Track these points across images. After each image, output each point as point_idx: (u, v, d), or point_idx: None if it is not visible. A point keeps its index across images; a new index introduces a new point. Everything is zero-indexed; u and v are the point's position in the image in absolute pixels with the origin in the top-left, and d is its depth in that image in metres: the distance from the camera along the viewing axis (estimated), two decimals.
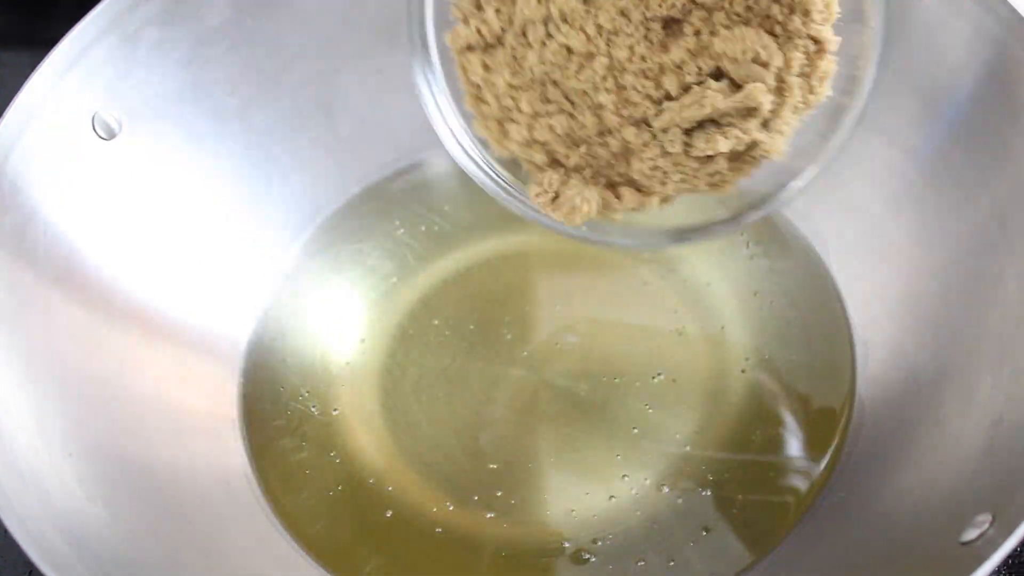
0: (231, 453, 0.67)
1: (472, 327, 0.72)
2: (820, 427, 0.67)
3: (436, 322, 0.73)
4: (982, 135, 0.65)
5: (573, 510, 0.64)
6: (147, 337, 0.68)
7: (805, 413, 0.67)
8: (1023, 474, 0.53)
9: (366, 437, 0.68)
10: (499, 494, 0.65)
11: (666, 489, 0.64)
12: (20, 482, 0.55)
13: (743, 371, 0.69)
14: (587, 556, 0.62)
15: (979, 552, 0.50)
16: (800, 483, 0.64)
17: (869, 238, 0.72)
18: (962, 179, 0.67)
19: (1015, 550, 0.50)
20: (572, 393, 0.68)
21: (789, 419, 0.67)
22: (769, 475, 0.64)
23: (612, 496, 0.65)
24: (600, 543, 0.63)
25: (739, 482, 0.64)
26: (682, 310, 0.72)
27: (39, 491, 0.55)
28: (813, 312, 0.72)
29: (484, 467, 0.67)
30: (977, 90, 0.66)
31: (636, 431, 0.66)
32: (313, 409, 0.69)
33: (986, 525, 0.51)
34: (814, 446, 0.66)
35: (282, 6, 0.75)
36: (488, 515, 0.64)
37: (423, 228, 0.77)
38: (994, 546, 0.49)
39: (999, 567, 0.52)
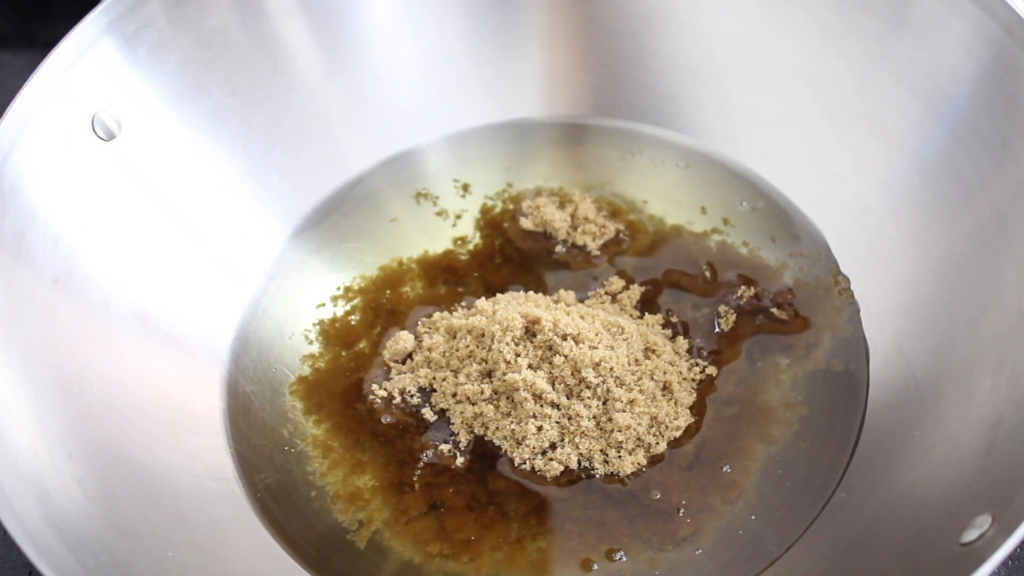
0: (228, 452, 0.67)
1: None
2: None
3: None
4: (982, 135, 0.65)
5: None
6: (146, 337, 0.68)
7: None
8: (1023, 475, 0.53)
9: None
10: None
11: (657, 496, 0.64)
12: (20, 482, 0.55)
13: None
14: (595, 565, 0.62)
15: (979, 553, 0.50)
16: (801, 484, 0.64)
17: (869, 239, 0.72)
18: (962, 179, 0.67)
19: (1015, 551, 0.50)
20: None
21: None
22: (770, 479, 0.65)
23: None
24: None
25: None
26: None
27: (39, 491, 0.55)
28: None
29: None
30: (977, 90, 0.66)
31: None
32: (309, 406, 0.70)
33: (986, 526, 0.51)
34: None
35: (281, 9, 0.75)
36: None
37: (420, 227, 0.78)
38: (994, 547, 0.49)
39: (999, 567, 0.52)
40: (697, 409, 0.67)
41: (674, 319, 0.71)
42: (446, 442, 0.67)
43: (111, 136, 0.68)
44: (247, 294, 0.74)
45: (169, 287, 0.70)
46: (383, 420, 0.68)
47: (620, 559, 0.62)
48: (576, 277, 0.74)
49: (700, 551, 0.62)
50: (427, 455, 0.66)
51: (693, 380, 0.68)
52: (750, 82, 0.77)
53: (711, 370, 0.69)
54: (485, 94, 0.81)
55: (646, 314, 0.71)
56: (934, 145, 0.69)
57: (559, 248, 0.76)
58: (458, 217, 0.78)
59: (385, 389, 0.69)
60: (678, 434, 0.66)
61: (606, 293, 0.73)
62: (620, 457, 0.65)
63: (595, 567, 0.62)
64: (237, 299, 0.74)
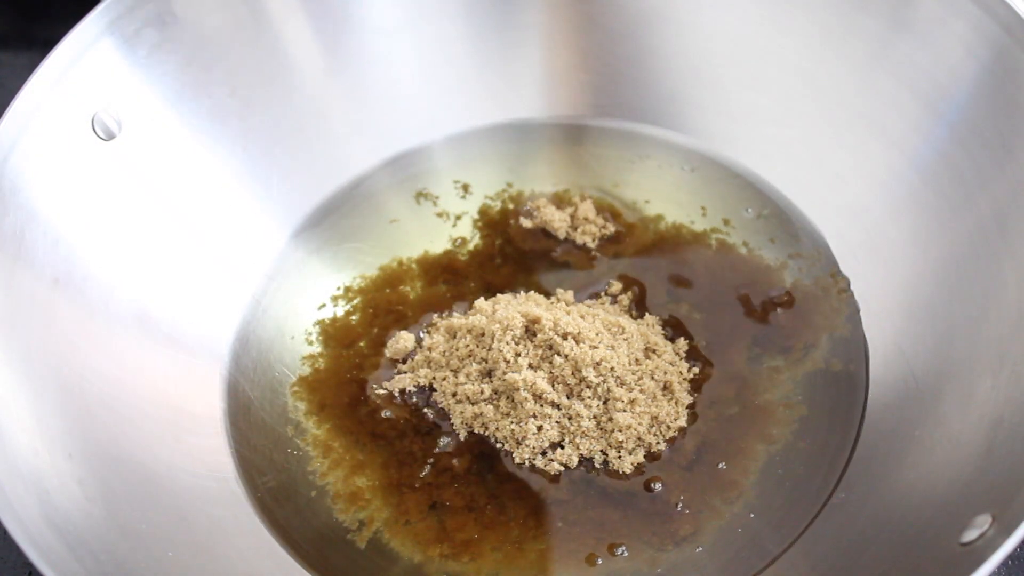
0: (228, 452, 0.67)
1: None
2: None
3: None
4: (982, 135, 0.65)
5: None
6: (146, 337, 0.68)
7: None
8: (1023, 475, 0.53)
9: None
10: None
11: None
12: (20, 482, 0.55)
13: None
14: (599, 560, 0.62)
15: (979, 552, 0.50)
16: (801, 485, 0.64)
17: (869, 239, 0.72)
18: (962, 179, 0.67)
19: (1015, 551, 0.50)
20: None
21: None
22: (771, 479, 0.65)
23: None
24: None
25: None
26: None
27: (39, 491, 0.55)
28: None
29: None
30: (977, 90, 0.66)
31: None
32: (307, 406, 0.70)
33: (986, 526, 0.51)
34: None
35: (282, 8, 0.75)
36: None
37: (420, 227, 0.78)
38: (994, 547, 0.49)
39: (999, 567, 0.52)
40: (697, 409, 0.67)
41: (674, 319, 0.71)
42: (446, 442, 0.67)
43: (111, 136, 0.68)
44: (247, 294, 0.74)
45: (169, 287, 0.70)
46: (383, 420, 0.68)
47: (622, 553, 0.62)
48: (576, 277, 0.74)
49: (700, 549, 0.62)
50: (428, 455, 0.66)
51: (693, 380, 0.68)
52: (750, 82, 0.77)
53: (711, 370, 0.69)
54: (485, 94, 0.81)
55: (646, 314, 0.71)
56: (934, 145, 0.69)
57: (559, 248, 0.76)
58: (458, 217, 0.78)
59: (385, 389, 0.69)
60: (678, 434, 0.66)
61: (606, 293, 0.73)
62: (620, 457, 0.65)
63: (599, 562, 0.62)
64: (237, 299, 0.74)
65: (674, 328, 0.71)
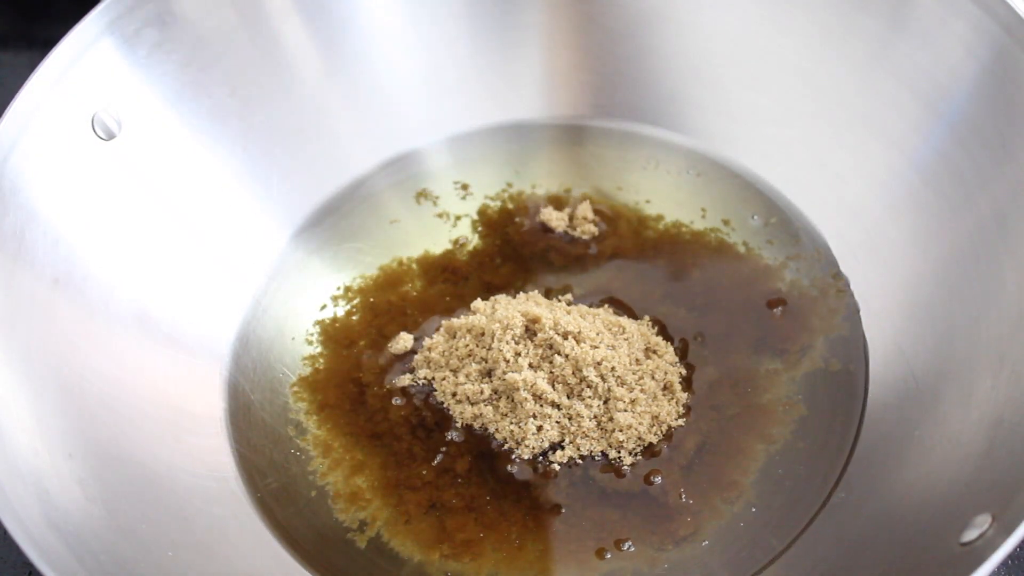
0: (229, 452, 0.67)
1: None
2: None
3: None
4: (982, 135, 0.65)
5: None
6: (146, 337, 0.68)
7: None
8: (1023, 474, 0.53)
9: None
10: None
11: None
12: (20, 482, 0.55)
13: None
14: (608, 554, 0.62)
15: (979, 552, 0.50)
16: (801, 484, 0.64)
17: (869, 239, 0.72)
18: (962, 179, 0.67)
19: (1015, 550, 0.50)
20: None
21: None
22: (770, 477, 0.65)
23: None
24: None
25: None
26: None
27: (39, 491, 0.55)
28: None
29: None
30: (977, 90, 0.66)
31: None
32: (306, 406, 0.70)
33: (986, 526, 0.51)
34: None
35: (282, 9, 0.75)
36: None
37: (420, 227, 0.78)
38: (994, 546, 0.49)
39: (999, 567, 0.52)
40: (697, 409, 0.67)
41: (673, 319, 0.71)
42: (445, 442, 0.67)
43: (111, 136, 0.68)
44: (247, 294, 0.74)
45: (169, 287, 0.70)
46: (384, 420, 0.68)
47: (628, 548, 0.62)
48: (576, 277, 0.74)
49: (705, 543, 0.62)
50: (428, 455, 0.66)
51: (692, 380, 0.68)
52: (750, 82, 0.77)
53: (710, 370, 0.69)
54: (485, 95, 0.81)
55: (645, 315, 0.71)
56: (934, 145, 0.69)
57: (558, 248, 0.76)
58: (458, 218, 0.78)
59: (385, 389, 0.69)
60: (678, 434, 0.66)
61: (605, 295, 0.73)
62: (620, 457, 0.65)
63: (608, 556, 0.62)
64: (237, 299, 0.74)
65: (673, 328, 0.71)
